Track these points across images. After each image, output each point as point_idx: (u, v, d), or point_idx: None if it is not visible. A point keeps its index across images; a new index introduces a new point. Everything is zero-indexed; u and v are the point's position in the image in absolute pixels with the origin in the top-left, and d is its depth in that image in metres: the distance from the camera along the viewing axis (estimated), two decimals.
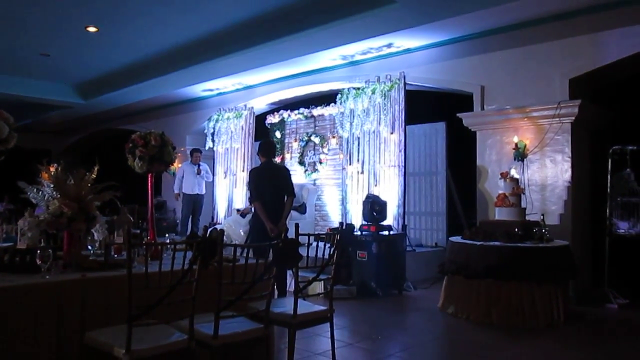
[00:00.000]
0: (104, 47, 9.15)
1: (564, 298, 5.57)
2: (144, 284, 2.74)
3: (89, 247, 3.97)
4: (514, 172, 6.59)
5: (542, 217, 6.18)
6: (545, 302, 5.43)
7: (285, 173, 6.07)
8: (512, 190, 6.29)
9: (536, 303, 5.42)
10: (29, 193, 3.74)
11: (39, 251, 3.24)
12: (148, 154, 4.16)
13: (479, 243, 5.77)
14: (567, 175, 6.69)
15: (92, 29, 8.26)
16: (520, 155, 6.90)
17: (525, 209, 6.31)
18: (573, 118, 6.60)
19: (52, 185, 3.65)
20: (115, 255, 3.94)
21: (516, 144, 6.92)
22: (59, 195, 3.56)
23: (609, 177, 6.67)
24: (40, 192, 3.75)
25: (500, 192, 6.42)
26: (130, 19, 7.81)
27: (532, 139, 6.92)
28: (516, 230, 5.74)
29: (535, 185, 6.89)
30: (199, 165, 10.46)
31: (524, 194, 6.46)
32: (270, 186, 5.71)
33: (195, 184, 10.44)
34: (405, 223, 7.93)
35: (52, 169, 4.12)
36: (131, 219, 4.26)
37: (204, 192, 10.64)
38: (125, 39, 8.71)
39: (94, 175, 3.74)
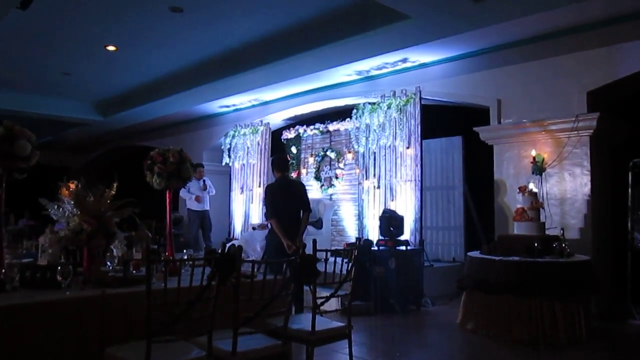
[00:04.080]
0: (122, 66, 9.30)
1: (585, 314, 5.47)
2: (163, 300, 2.75)
3: (108, 263, 3.99)
4: (532, 186, 6.52)
5: (561, 231, 6.09)
6: (566, 318, 5.33)
7: (302, 188, 6.05)
8: (531, 205, 6.22)
9: (557, 319, 5.32)
10: (50, 210, 3.79)
11: (59, 267, 3.28)
12: (166, 171, 4.19)
13: (497, 258, 5.70)
14: (587, 188, 6.60)
15: (111, 48, 8.40)
16: (539, 169, 6.83)
17: (544, 223, 6.23)
18: (591, 131, 6.54)
19: (72, 202, 3.69)
20: (134, 271, 3.96)
21: (534, 158, 6.85)
22: (79, 212, 3.60)
23: (629, 190, 6.57)
24: (61, 209, 3.80)
25: (519, 206, 6.35)
26: (147, 38, 7.94)
27: (550, 152, 6.85)
28: (535, 245, 5.66)
29: (555, 199, 6.81)
30: (203, 180, 10.30)
31: (542, 208, 6.38)
32: (287, 202, 5.69)
33: (201, 199, 10.39)
34: (423, 238, 7.87)
35: (72, 186, 4.18)
36: (149, 234, 4.28)
37: (209, 207, 10.56)
38: (143, 57, 8.84)
39: (113, 192, 3.78)
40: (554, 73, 6.86)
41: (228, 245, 3.03)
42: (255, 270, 3.52)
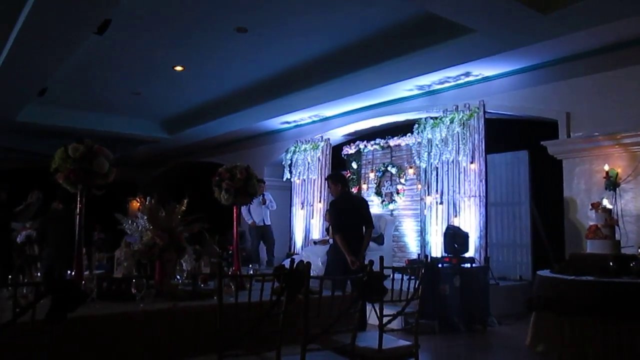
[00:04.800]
0: (189, 85, 9.63)
1: None
2: (233, 314, 2.79)
3: (177, 277, 4.11)
4: (606, 202, 6.21)
5: (639, 250, 5.77)
6: None
7: (364, 204, 6.03)
8: (605, 222, 5.92)
9: (637, 343, 5.02)
10: (124, 224, 3.95)
11: (133, 280, 3.40)
12: (234, 187, 4.28)
13: (570, 278, 5.44)
14: None
15: (178, 68, 8.73)
16: (612, 184, 6.52)
17: (619, 241, 5.91)
18: None
19: (145, 217, 3.83)
20: (202, 285, 4.06)
21: (607, 173, 6.55)
22: (151, 227, 3.73)
23: None
24: (135, 224, 3.95)
25: (592, 223, 6.07)
26: (213, 58, 8.19)
27: (625, 166, 6.54)
28: (611, 264, 5.39)
29: (630, 216, 6.48)
30: (263, 195, 10.33)
31: (617, 225, 6.06)
32: (351, 218, 5.67)
33: (262, 214, 10.44)
34: (488, 255, 7.66)
35: (140, 201, 4.33)
36: (217, 249, 4.38)
37: (270, 222, 10.66)
38: (209, 76, 9.12)
39: (183, 208, 3.90)
40: (627, 84, 6.56)
41: (289, 260, 3.05)
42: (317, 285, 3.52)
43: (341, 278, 3.83)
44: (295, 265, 2.92)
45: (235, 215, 4.51)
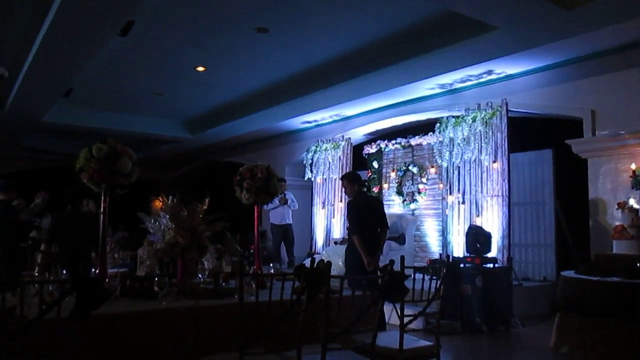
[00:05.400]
0: (210, 85, 9.70)
1: None
2: (255, 313, 2.81)
3: (199, 275, 4.15)
4: (632, 202, 6.11)
5: None
6: None
7: (380, 204, 6.00)
8: (632, 222, 5.82)
9: None
10: (147, 223, 4.00)
11: (156, 278, 3.44)
12: (255, 186, 4.31)
13: (595, 279, 5.35)
14: None
15: (200, 69, 8.80)
16: (639, 183, 6.39)
17: None
18: None
19: (167, 216, 3.87)
20: (223, 284, 4.09)
21: (634, 172, 6.41)
22: (173, 226, 3.77)
23: None
24: (157, 223, 3.99)
25: (618, 223, 5.97)
26: (234, 58, 8.24)
27: None
28: (638, 265, 5.28)
29: None
30: (284, 194, 10.37)
31: None
32: (368, 218, 5.62)
33: (283, 214, 10.47)
34: (511, 255, 7.57)
35: (163, 201, 4.39)
36: (239, 248, 4.41)
37: (291, 221, 10.70)
38: (230, 76, 9.18)
39: (205, 207, 3.94)
40: None
41: (310, 259, 3.06)
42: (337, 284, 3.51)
43: (362, 278, 3.82)
44: (315, 265, 2.92)
45: (256, 214, 4.53)
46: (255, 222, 4.56)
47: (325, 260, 3.07)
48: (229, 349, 3.03)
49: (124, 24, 6.13)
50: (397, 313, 3.48)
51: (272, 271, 4.24)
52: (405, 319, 3.50)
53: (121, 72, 8.98)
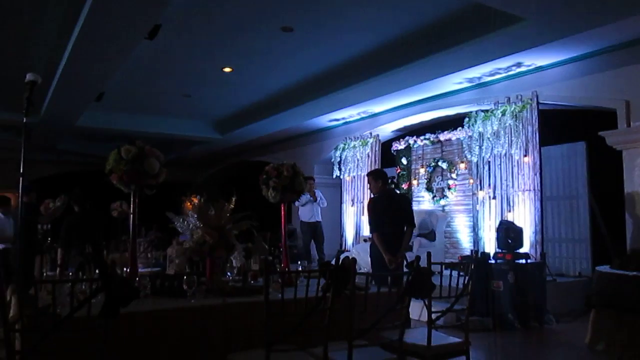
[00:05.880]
0: (238, 85, 9.79)
1: None
2: (280, 310, 2.83)
3: (228, 274, 4.20)
4: None
5: None
6: None
7: (406, 202, 5.90)
8: None
9: None
10: (176, 223, 4.06)
11: (185, 277, 3.49)
12: (281, 184, 4.34)
13: (632, 274, 5.21)
14: None
15: (227, 70, 8.88)
16: None
17: None
18: None
19: (195, 216, 3.93)
20: (252, 282, 4.13)
21: None
22: (201, 225, 3.82)
23: None
24: (186, 222, 4.05)
25: None
26: (260, 58, 8.29)
27: None
28: None
29: None
30: (314, 192, 10.33)
31: None
32: (390, 216, 5.53)
33: (312, 211, 10.46)
34: (544, 251, 7.42)
35: (195, 200, 4.45)
36: (266, 247, 4.44)
37: (321, 218, 10.70)
38: (257, 76, 9.24)
39: (232, 206, 3.98)
40: None
41: (341, 257, 3.06)
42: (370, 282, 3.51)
43: (388, 274, 3.80)
44: (340, 262, 2.92)
45: (283, 212, 4.55)
46: (283, 219, 4.59)
47: (353, 258, 3.07)
48: (256, 346, 3.07)
49: (151, 27, 6.23)
50: (427, 309, 3.46)
51: (299, 269, 4.26)
52: (434, 316, 3.48)
53: (150, 75, 9.14)
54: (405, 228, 5.56)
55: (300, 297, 2.89)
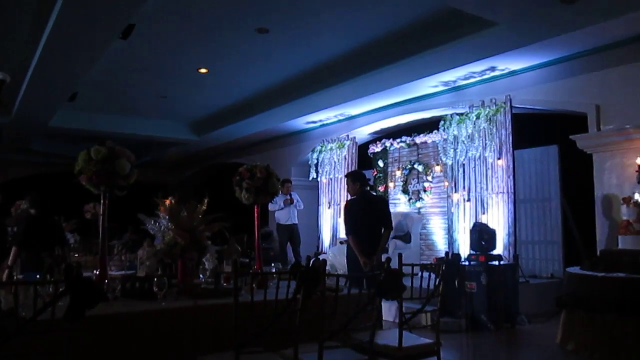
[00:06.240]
0: (213, 87, 9.73)
1: None
2: (250, 312, 2.81)
3: (200, 276, 4.16)
4: (638, 197, 6.04)
5: None
6: None
7: (383, 204, 5.88)
8: (637, 217, 5.77)
9: None
10: (147, 225, 4.02)
11: (155, 279, 3.45)
12: (254, 186, 4.32)
13: (600, 274, 5.31)
14: None
15: (203, 71, 8.83)
16: None
17: None
18: None
19: (167, 217, 3.89)
20: (225, 284, 4.10)
21: (639, 166, 6.36)
22: (173, 227, 3.78)
23: None
24: (157, 224, 4.01)
25: (624, 218, 5.91)
26: (236, 59, 8.26)
27: None
28: None
29: None
30: (290, 194, 10.45)
31: None
32: (367, 218, 5.50)
33: (289, 214, 10.48)
34: (517, 252, 7.52)
35: (168, 202, 4.41)
36: (239, 249, 4.41)
37: (297, 221, 10.70)
38: (233, 77, 9.21)
39: (204, 207, 3.95)
40: None
41: (314, 259, 3.06)
42: (341, 284, 3.51)
43: (358, 275, 3.81)
44: (311, 263, 2.92)
45: (256, 214, 4.54)
46: (256, 222, 4.57)
47: (324, 259, 3.07)
48: (227, 348, 3.04)
49: (125, 27, 6.16)
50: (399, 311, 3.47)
51: (273, 270, 4.25)
52: (406, 317, 3.50)
53: (125, 76, 9.04)
54: (382, 230, 5.54)
55: (271, 299, 2.88)
